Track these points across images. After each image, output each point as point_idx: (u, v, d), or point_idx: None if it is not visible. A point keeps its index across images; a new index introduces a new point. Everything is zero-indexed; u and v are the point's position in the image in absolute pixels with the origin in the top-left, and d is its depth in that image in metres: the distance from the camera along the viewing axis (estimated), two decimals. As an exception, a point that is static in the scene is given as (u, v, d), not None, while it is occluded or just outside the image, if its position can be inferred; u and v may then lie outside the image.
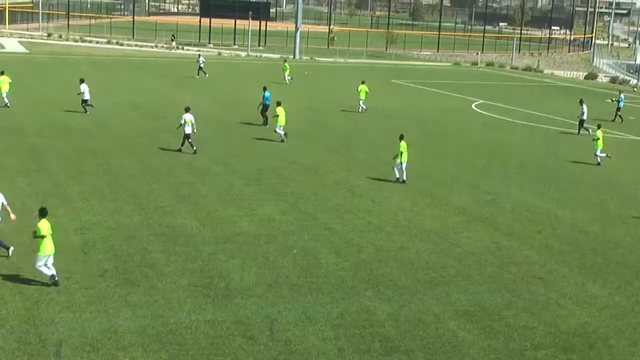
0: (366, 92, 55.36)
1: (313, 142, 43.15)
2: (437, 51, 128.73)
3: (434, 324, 19.53)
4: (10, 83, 49.19)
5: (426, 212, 29.87)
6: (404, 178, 34.07)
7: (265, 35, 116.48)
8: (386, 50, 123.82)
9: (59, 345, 17.20)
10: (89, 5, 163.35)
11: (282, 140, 42.01)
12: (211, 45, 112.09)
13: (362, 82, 56.11)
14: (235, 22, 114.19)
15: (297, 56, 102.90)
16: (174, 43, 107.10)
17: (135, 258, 22.92)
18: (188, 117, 37.43)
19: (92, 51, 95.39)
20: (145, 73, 73.25)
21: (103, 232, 25.16)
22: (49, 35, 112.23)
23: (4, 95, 48.48)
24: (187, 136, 37.58)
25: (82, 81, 48.54)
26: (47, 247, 20.37)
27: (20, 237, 23.21)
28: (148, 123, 45.37)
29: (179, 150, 37.76)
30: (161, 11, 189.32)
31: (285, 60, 76.45)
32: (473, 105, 64.38)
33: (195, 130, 37.71)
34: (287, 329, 18.71)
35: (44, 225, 20.40)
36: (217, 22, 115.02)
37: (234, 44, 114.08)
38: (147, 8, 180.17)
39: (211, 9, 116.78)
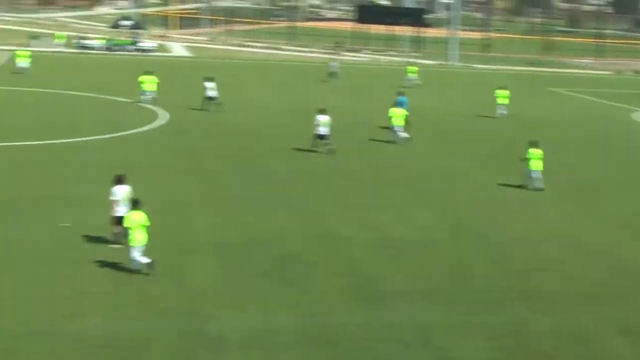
0: (506, 98, 54.31)
1: (463, 148, 42.66)
2: (597, 59, 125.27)
3: (594, 341, 18.88)
4: (157, 83, 51.06)
5: (585, 224, 29.02)
6: (541, 186, 33.12)
7: (421, 42, 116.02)
8: (543, 57, 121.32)
9: (220, 341, 17.56)
10: (250, 12, 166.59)
11: (395, 142, 41.72)
12: (367, 51, 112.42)
13: (502, 88, 54.99)
14: (391, 28, 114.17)
15: (454, 62, 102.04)
16: (337, 50, 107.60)
17: (293, 259, 23.19)
18: (323, 118, 37.90)
19: (251, 55, 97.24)
20: (301, 77, 74.07)
21: (262, 232, 25.56)
22: (212, 40, 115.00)
23: (148, 93, 50.39)
24: (321, 137, 38.14)
25: (209, 79, 49.70)
26: (136, 237, 21.00)
27: (178, 236, 23.85)
28: (302, 126, 45.78)
29: (313, 151, 38.26)
30: (319, 17, 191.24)
31: (410, 64, 75.72)
32: (632, 115, 62.23)
33: (329, 132, 38.01)
34: (440, 337, 18.52)
35: (133, 217, 21.08)
36: (373, 28, 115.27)
37: (390, 50, 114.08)
38: (304, 14, 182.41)
39: (367, 15, 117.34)
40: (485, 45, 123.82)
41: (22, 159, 33.99)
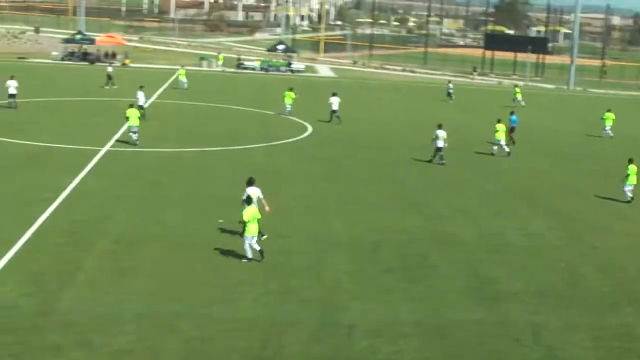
0: (612, 120, 52.50)
1: (576, 164, 41.54)
2: None
3: (695, 346, 18.07)
4: (293, 98, 52.36)
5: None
6: (629, 197, 32.33)
7: (543, 67, 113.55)
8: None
9: (351, 329, 17.65)
10: (388, 38, 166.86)
11: (492, 154, 41.43)
12: (493, 75, 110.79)
13: (609, 111, 53.21)
14: (515, 54, 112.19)
15: (571, 87, 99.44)
16: (475, 74, 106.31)
17: (417, 259, 23.07)
18: (441, 133, 37.79)
19: (389, 77, 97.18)
20: (432, 97, 73.44)
21: (390, 234, 25.53)
22: (355, 62, 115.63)
23: (288, 106, 51.82)
24: (438, 149, 37.98)
25: (333, 94, 50.65)
26: (251, 229, 21.47)
27: (317, 234, 24.07)
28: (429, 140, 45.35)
29: (430, 161, 38.09)
30: (450, 44, 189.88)
31: (516, 86, 73.83)
32: None
33: (445, 144, 37.81)
34: (550, 335, 18.08)
35: (248, 212, 21.54)
36: (499, 55, 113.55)
37: (513, 74, 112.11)
38: (438, 41, 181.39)
39: (494, 42, 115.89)
40: (602, 72, 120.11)
41: (189, 163, 35.01)
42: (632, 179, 32.35)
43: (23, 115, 45.74)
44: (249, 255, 21.71)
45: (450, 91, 69.94)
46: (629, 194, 32.44)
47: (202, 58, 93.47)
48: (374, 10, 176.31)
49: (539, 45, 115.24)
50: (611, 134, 52.32)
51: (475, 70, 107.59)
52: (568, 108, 72.81)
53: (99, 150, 36.22)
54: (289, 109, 52.12)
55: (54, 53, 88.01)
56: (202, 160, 35.95)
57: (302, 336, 17.14)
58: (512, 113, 46.58)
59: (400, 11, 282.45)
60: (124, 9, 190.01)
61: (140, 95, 45.88)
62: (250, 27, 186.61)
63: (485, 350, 17.06)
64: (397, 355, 16.55)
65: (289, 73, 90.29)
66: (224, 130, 44.82)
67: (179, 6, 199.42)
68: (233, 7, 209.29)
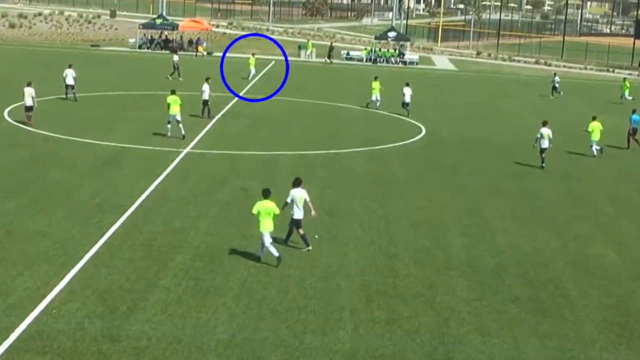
0: None
1: None
2: None
3: None
4: (380, 89, 54.20)
5: None
6: None
7: None
8: None
9: (465, 367, 17.46)
10: (519, 24, 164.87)
11: (594, 156, 41.70)
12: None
13: None
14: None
15: None
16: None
17: (548, 287, 22.66)
18: (545, 131, 37.93)
19: (519, 70, 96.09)
20: (570, 95, 72.14)
21: (517, 256, 25.17)
22: (478, 53, 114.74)
23: (374, 97, 53.99)
24: (542, 150, 38.13)
25: (406, 84, 53.17)
26: (265, 224, 22.53)
27: (431, 255, 23.82)
28: (567, 145, 44.58)
29: (542, 167, 38.00)
30: (593, 31, 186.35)
31: (625, 79, 71.71)
32: None
33: (551, 145, 38.07)
34: None
35: (259, 206, 22.61)
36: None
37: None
38: (578, 28, 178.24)
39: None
40: None
41: (283, 168, 35.32)
42: None
43: (93, 111, 47.02)
44: (275, 253, 22.59)
45: (557, 85, 68.74)
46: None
47: (300, 47, 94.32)
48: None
49: None
50: None
51: None
52: None
53: (180, 152, 36.92)
54: (374, 100, 54.25)
55: (131, 40, 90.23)
56: (298, 165, 36.19)
57: (409, 373, 17.05)
58: (634, 112, 45.96)
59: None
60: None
61: (206, 88, 46.44)
62: (356, 11, 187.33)
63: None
64: (522, 400, 16.29)
65: (401, 65, 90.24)
66: (323, 131, 45.08)
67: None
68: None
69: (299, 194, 23.86)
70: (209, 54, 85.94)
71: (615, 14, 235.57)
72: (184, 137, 39.46)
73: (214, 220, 26.93)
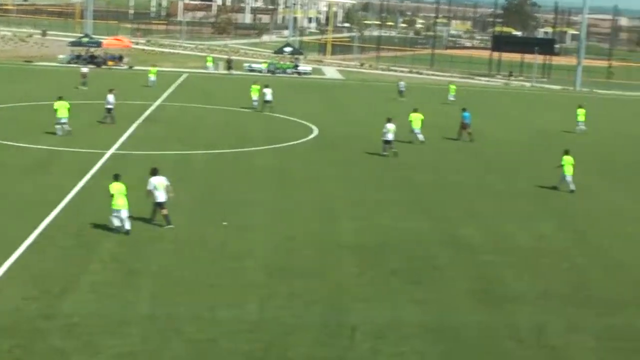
0: (584, 115, 53.67)
1: (587, 166, 41.37)
2: None
3: (699, 346, 18.02)
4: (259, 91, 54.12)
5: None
6: (572, 188, 33.37)
7: (550, 68, 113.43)
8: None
9: (354, 331, 17.65)
10: (396, 40, 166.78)
11: (422, 142, 43.30)
12: (500, 77, 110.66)
13: (580, 107, 54.59)
14: (522, 56, 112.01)
15: (578, 88, 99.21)
16: (511, 78, 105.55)
17: (423, 261, 23.06)
18: (390, 126, 38.86)
19: (396, 79, 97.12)
20: (436, 98, 73.29)
21: (397, 236, 25.53)
22: (362, 64, 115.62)
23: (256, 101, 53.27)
24: (387, 142, 39.07)
25: (266, 86, 53.65)
26: (118, 202, 23.58)
27: (323, 237, 24.03)
28: (441, 143, 45.31)
29: (384, 155, 37.93)
30: (457, 45, 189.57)
31: (451, 83, 73.76)
32: None
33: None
34: (553, 337, 18.06)
35: (113, 187, 23.76)
36: (506, 56, 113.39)
37: (520, 76, 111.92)
38: (445, 42, 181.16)
39: (502, 44, 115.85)
40: (609, 73, 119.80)
41: (196, 166, 35.05)
42: (569, 170, 33.52)
43: (26, 119, 45.81)
44: (115, 224, 23.57)
45: (403, 89, 69.82)
46: (567, 186, 33.73)
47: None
48: (381, 12, 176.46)
49: (546, 46, 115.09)
50: (584, 129, 53.29)
51: (511, 74, 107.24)
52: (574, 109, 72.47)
53: (105, 153, 36.30)
54: (256, 104, 54.90)
55: (61, 56, 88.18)
56: (209, 163, 35.97)
57: (306, 339, 17.16)
58: (464, 110, 47.22)
59: (408, 13, 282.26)
60: (131, 11, 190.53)
61: (110, 98, 45.33)
62: (257, 29, 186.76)
63: (488, 351, 17.05)
64: (400, 357, 16.55)
65: (296, 75, 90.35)
66: (229, 133, 44.87)
67: (187, 9, 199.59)
68: (241, 10, 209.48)
69: (159, 181, 24.66)
70: (130, 67, 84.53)
71: (475, 30, 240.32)
72: (69, 132, 39.87)
73: (135, 212, 26.52)
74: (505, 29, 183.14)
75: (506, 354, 16.99)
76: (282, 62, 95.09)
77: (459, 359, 16.70)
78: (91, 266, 20.92)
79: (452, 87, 71.27)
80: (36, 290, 18.97)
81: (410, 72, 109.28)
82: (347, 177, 34.34)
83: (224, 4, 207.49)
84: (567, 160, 33.63)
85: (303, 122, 50.54)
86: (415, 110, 44.05)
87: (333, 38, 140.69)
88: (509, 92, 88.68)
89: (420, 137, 43.54)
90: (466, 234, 26.26)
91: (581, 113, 53.87)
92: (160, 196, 24.54)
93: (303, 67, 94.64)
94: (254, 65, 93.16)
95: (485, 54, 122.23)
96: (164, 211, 24.61)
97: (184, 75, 79.37)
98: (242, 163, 36.25)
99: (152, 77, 66.95)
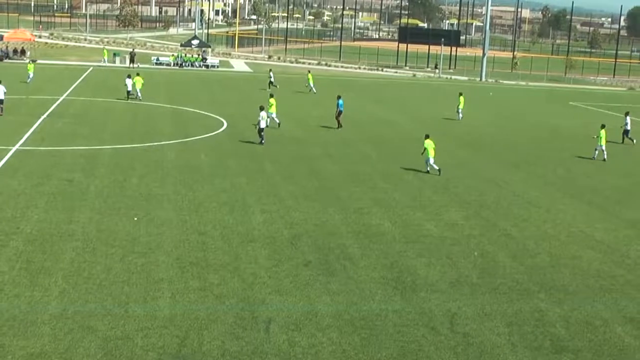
0: (462, 103, 56.54)
1: (496, 156, 42.36)
2: (614, 77, 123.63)
3: (602, 328, 18.67)
4: (142, 83, 56.03)
5: (598, 225, 28.60)
6: (436, 170, 35.52)
7: (456, 60, 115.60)
8: (565, 75, 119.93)
9: (268, 323, 17.64)
10: (303, 32, 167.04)
11: (279, 125, 46.12)
12: (407, 68, 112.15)
13: (461, 94, 57.39)
14: (429, 47, 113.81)
15: (484, 79, 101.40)
16: (437, 71, 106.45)
17: (335, 252, 23.18)
18: (263, 114, 40.09)
19: (304, 71, 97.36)
20: (349, 90, 73.96)
21: (308, 227, 25.60)
22: (270, 57, 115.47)
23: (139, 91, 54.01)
24: (261, 129, 40.34)
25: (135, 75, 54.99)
26: None
27: (235, 230, 23.85)
28: (349, 133, 45.76)
29: (260, 143, 38.05)
30: (364, 37, 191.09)
31: (309, 72, 75.25)
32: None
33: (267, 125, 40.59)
34: (466, 323, 18.40)
35: None
36: (412, 48, 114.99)
37: (427, 67, 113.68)
38: (352, 34, 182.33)
39: (408, 36, 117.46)
40: (514, 64, 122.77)
41: (103, 161, 34.43)
42: (431, 153, 35.39)
43: None
44: None
45: (272, 79, 70.45)
46: (427, 168, 35.83)
47: (115, 54, 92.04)
48: (288, 4, 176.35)
49: (452, 38, 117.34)
50: (461, 116, 56.48)
51: (436, 67, 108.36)
52: (481, 100, 74.17)
53: (9, 149, 35.32)
54: (139, 95, 55.90)
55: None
56: (117, 158, 35.38)
57: (221, 332, 17.05)
58: (339, 97, 48.69)
59: (315, 5, 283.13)
60: (33, 3, 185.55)
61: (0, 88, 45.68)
62: (163, 22, 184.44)
63: (403, 339, 17.26)
64: (315, 348, 16.61)
65: (204, 68, 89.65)
66: (137, 127, 44.23)
67: (90, 1, 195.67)
68: (146, 3, 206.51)
69: None
70: (33, 61, 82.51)
71: (382, 22, 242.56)
72: None
73: (42, 209, 25.94)
74: (412, 21, 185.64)
75: (420, 342, 17.20)
76: (189, 55, 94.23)
77: (375, 347, 16.85)
78: (-3, 265, 20.33)
79: (310, 76, 71.92)
80: (-61, 291, 18.33)
81: (319, 64, 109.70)
82: (257, 170, 34.26)
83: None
84: (429, 144, 35.46)
85: (213, 115, 50.20)
86: (271, 96, 47.23)
87: (240, 30, 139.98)
88: (414, 84, 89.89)
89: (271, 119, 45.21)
90: (377, 224, 26.49)
91: (461, 101, 56.62)
92: None
93: (211, 60, 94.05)
94: (162, 59, 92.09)
95: (393, 45, 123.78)
96: None
97: (90, 70, 77.86)
98: (149, 157, 35.73)
99: (30, 73, 64.00)
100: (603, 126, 43.02)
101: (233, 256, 22.18)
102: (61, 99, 54.17)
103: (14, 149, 35.59)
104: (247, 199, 29.02)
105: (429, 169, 35.75)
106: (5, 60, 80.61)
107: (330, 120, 48.07)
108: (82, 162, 33.72)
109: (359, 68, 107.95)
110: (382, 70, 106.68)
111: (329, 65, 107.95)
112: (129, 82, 55.43)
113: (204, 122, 47.46)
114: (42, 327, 16.69)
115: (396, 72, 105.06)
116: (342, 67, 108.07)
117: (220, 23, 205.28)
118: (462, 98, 56.45)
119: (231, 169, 34.28)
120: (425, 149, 35.44)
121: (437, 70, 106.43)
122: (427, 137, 35.83)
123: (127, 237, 23.24)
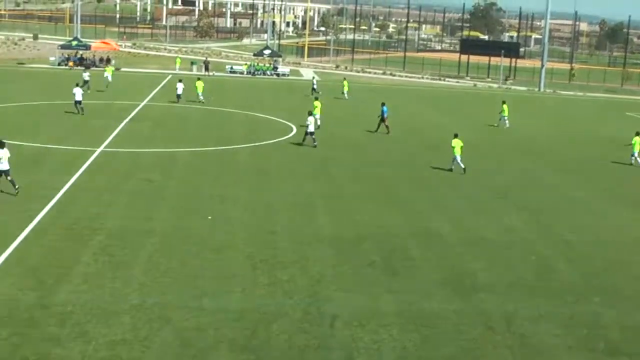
0: (506, 111, 54.86)
1: (553, 163, 41.67)
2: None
3: (657, 333, 18.22)
4: (203, 87, 57.37)
5: (652, 231, 27.94)
6: (461, 168, 35.50)
7: (515, 70, 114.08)
8: (621, 86, 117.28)
9: (334, 319, 17.65)
10: (369, 43, 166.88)
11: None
12: (468, 78, 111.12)
13: (504, 102, 55.72)
14: (489, 58, 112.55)
15: (542, 89, 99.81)
16: (509, 81, 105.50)
17: (398, 253, 23.09)
18: (311, 119, 40.40)
19: (370, 80, 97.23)
20: (411, 98, 73.62)
21: (372, 229, 25.54)
22: (337, 66, 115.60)
23: (201, 95, 55.38)
24: (310, 133, 40.23)
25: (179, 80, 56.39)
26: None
27: (303, 230, 23.99)
28: (412, 139, 45.54)
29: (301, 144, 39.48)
30: (427, 48, 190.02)
31: (345, 79, 74.01)
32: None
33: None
34: (522, 324, 18.15)
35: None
36: (474, 59, 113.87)
37: (488, 77, 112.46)
38: (416, 45, 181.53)
39: (470, 47, 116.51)
40: (571, 75, 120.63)
41: (180, 162, 34.90)
42: (458, 151, 35.45)
43: (21, 118, 45.49)
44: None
45: (315, 86, 69.91)
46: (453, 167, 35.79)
47: (193, 62, 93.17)
48: (355, 17, 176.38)
49: (512, 49, 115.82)
50: (507, 124, 54.72)
51: (507, 78, 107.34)
52: (538, 109, 73.10)
53: (95, 150, 36.07)
54: (201, 98, 57.32)
55: (52, 59, 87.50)
56: (192, 160, 35.84)
57: (288, 326, 17.13)
58: (383, 104, 48.12)
59: (381, 17, 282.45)
60: (118, 16, 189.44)
61: (77, 91, 47.38)
62: (237, 33, 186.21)
63: (461, 338, 17.12)
64: (378, 343, 16.57)
65: (275, 76, 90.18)
66: (212, 131, 44.72)
67: (170, 13, 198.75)
68: (222, 14, 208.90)
69: (3, 152, 26.72)
70: (117, 69, 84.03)
71: (445, 34, 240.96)
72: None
73: (124, 206, 26.46)
74: (473, 33, 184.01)
75: (478, 341, 17.04)
76: (261, 64, 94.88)
77: (435, 345, 16.75)
78: (83, 258, 20.74)
79: (345, 83, 70.89)
80: (31, 281, 18.80)
81: (384, 73, 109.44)
82: (325, 174, 34.33)
83: (205, 8, 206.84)
84: (457, 143, 35.50)
85: (282, 121, 50.48)
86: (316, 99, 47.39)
87: (310, 41, 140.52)
88: (473, 93, 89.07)
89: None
90: (438, 227, 26.30)
91: (505, 109, 55.27)
92: (4, 165, 26.72)
93: (281, 68, 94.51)
94: (235, 67, 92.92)
95: (454, 56, 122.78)
96: (9, 177, 26.82)
97: (169, 77, 79.00)
98: (223, 160, 36.09)
99: (108, 75, 64.39)
100: (638, 133, 41.76)
101: (301, 255, 22.27)
102: (142, 104, 55.09)
103: (99, 149, 36.33)
104: (314, 200, 29.11)
105: (453, 166, 35.75)
106: (92, 68, 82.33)
107: (391, 127, 47.77)
108: (161, 163, 34.26)
109: (422, 78, 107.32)
110: (444, 80, 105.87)
111: (394, 75, 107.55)
112: (179, 86, 56.82)
113: (275, 128, 47.74)
114: (122, 317, 17.01)
115: (457, 82, 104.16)
116: (406, 76, 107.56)
117: (290, 34, 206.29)
118: (505, 106, 55.41)
119: (299, 171, 34.42)
120: (453, 147, 35.56)
121: (508, 82, 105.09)
122: (455, 136, 35.91)
123: (201, 235, 23.53)
